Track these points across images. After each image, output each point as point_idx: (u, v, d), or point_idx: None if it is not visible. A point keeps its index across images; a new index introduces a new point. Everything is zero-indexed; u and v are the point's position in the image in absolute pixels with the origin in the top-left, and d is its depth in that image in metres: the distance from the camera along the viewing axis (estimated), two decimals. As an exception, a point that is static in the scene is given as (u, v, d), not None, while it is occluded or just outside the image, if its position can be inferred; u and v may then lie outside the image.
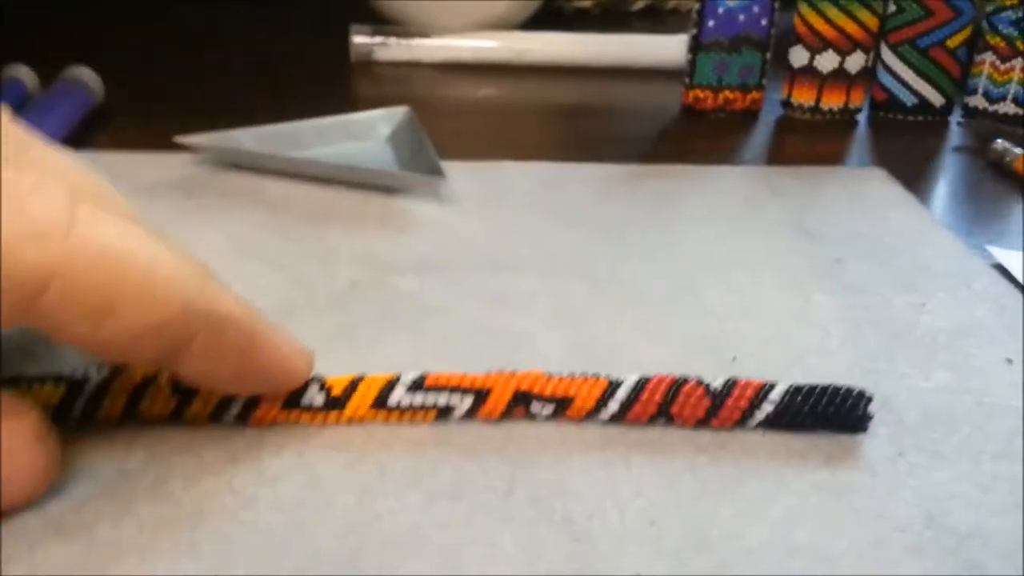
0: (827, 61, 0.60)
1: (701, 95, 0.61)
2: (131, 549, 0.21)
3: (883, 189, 0.47)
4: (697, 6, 0.59)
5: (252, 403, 0.25)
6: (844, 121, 0.62)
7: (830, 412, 0.26)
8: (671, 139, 0.58)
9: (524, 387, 0.26)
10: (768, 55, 0.61)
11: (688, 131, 0.59)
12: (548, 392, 0.26)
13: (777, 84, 0.62)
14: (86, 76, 0.51)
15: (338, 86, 0.65)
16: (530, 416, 0.26)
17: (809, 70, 0.60)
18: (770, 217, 0.43)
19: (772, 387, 0.26)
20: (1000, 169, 0.51)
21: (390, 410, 0.26)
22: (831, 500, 0.24)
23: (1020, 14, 0.58)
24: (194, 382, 0.24)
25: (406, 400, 0.26)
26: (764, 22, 0.59)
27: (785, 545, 0.22)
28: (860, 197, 0.46)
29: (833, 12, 0.58)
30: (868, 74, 0.61)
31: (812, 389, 0.26)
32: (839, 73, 0.60)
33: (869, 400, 0.26)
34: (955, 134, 0.60)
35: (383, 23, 0.69)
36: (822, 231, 0.41)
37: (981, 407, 0.28)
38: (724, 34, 0.60)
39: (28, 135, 0.23)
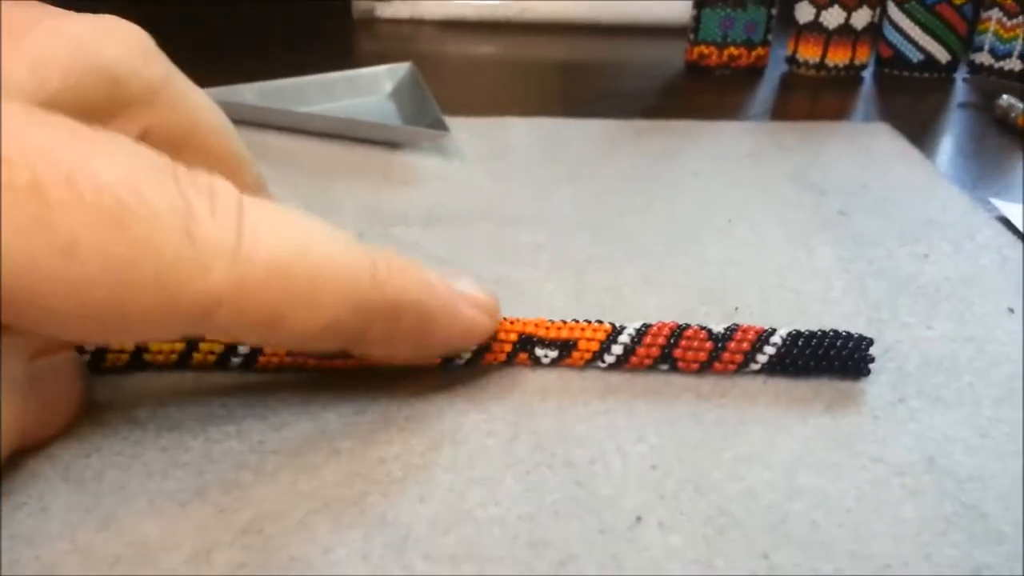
0: (833, 17, 0.59)
1: (705, 51, 0.61)
2: (139, 494, 0.22)
3: (888, 143, 0.47)
4: (702, -39, 0.58)
5: (257, 349, 0.25)
6: (849, 78, 0.62)
7: (831, 356, 0.26)
8: (675, 96, 0.57)
9: (528, 331, 0.26)
10: (774, 11, 0.60)
11: (692, 88, 0.59)
12: (552, 336, 0.26)
13: (783, 40, 0.62)
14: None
15: (341, 43, 0.64)
16: (534, 361, 0.27)
17: (815, 26, 0.60)
18: (774, 171, 0.43)
19: (773, 332, 0.26)
20: (1005, 124, 0.51)
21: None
22: (832, 444, 0.24)
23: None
24: (377, 359, 0.24)
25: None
26: (769, -24, 0.59)
27: (786, 488, 0.23)
28: (865, 151, 0.45)
29: (839, -34, 0.58)
30: (874, 30, 0.61)
31: (813, 334, 0.26)
32: (845, 29, 0.60)
33: (870, 343, 0.26)
34: (960, 90, 0.59)
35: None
36: (826, 184, 0.41)
37: (982, 355, 0.28)
38: (729, -11, 0.59)
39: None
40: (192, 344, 0.25)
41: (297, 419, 0.24)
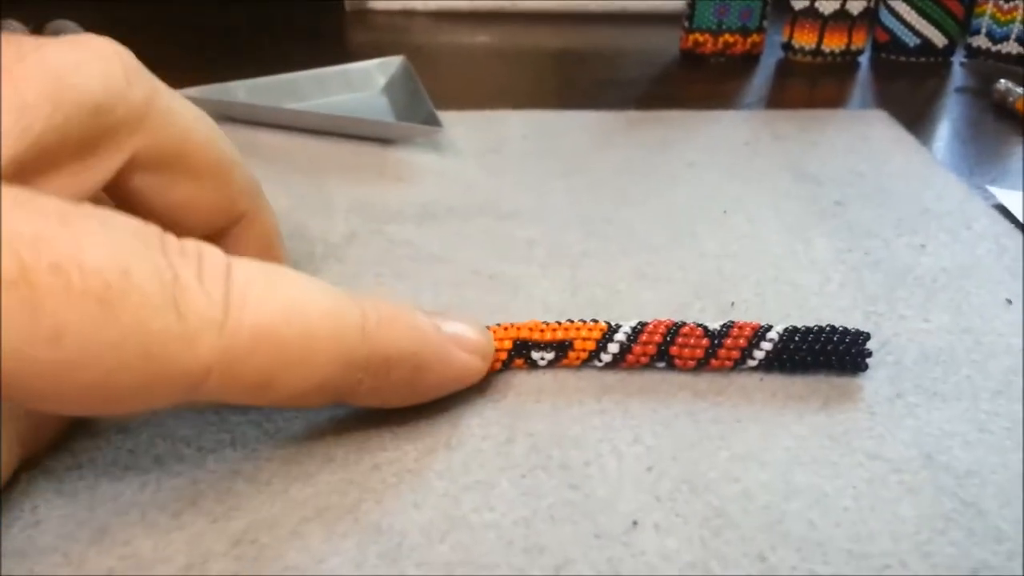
0: (829, 2, 0.59)
1: (700, 39, 0.61)
2: (133, 505, 0.22)
3: (885, 131, 0.47)
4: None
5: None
6: (846, 64, 0.61)
7: (828, 351, 0.26)
8: (670, 84, 0.57)
9: (523, 336, 0.26)
10: (768, -3, 0.60)
11: (687, 76, 0.58)
12: (547, 338, 0.26)
13: (778, 27, 0.62)
14: (71, 29, 0.50)
15: (332, 35, 0.64)
16: (531, 365, 0.26)
17: (811, 12, 0.60)
18: (770, 161, 0.43)
19: (770, 327, 0.26)
20: (1002, 109, 0.51)
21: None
22: (829, 442, 0.24)
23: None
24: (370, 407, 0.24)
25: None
26: (764, -37, 0.58)
27: (783, 487, 0.22)
28: (861, 139, 0.45)
29: (834, -49, 0.57)
30: (870, 15, 0.60)
31: (809, 329, 0.26)
32: (841, 15, 0.59)
33: (867, 338, 0.26)
34: (957, 75, 0.59)
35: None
36: (823, 174, 0.41)
37: (980, 347, 0.28)
38: (723, -24, 0.59)
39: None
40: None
41: (290, 426, 0.24)
